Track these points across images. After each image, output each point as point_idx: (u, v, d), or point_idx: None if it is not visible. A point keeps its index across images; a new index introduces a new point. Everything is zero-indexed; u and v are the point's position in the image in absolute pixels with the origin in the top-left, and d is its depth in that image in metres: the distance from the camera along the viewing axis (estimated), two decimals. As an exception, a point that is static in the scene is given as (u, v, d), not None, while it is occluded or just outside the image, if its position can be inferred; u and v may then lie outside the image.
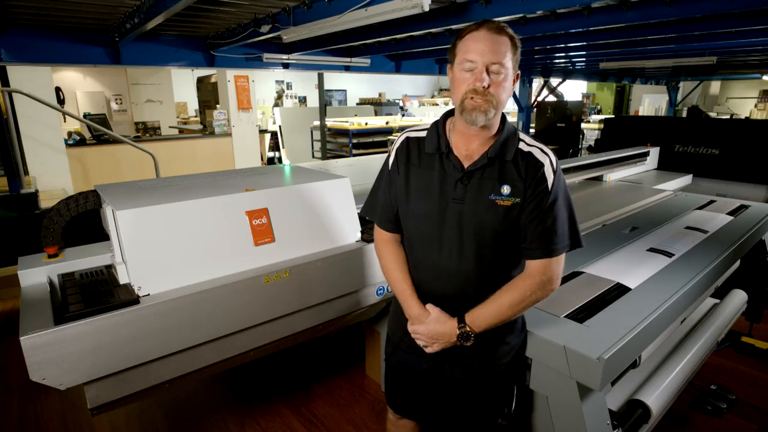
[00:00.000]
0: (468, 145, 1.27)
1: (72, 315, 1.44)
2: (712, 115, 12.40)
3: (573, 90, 14.57)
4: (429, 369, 1.44)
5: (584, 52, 6.15)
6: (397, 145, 1.39)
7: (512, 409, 1.50)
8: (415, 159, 1.33)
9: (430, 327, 1.33)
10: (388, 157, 1.41)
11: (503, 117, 1.31)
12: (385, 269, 1.44)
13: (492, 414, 1.45)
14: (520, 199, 1.23)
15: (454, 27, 3.59)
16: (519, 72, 1.26)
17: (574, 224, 1.30)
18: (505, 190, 1.23)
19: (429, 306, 1.35)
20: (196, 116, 11.45)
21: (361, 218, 2.21)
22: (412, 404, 1.56)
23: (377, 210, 1.44)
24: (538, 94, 9.49)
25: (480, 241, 1.26)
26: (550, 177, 1.23)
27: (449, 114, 1.34)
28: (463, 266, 1.29)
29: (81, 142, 6.13)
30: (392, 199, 1.39)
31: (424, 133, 1.35)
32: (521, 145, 1.27)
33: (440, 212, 1.28)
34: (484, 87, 1.16)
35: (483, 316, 1.28)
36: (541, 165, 1.24)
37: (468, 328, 1.29)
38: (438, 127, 1.33)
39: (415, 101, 15.40)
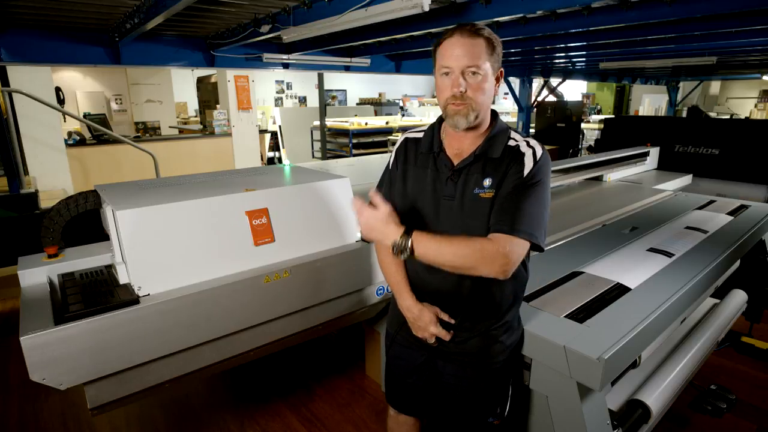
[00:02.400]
0: (459, 145, 1.31)
1: (72, 315, 1.44)
2: (712, 115, 12.41)
3: (573, 90, 14.57)
4: (423, 363, 1.47)
5: (584, 52, 6.16)
6: (397, 145, 1.45)
7: (506, 409, 1.50)
8: (412, 158, 1.39)
9: (371, 213, 1.24)
10: (390, 157, 1.47)
11: (495, 115, 1.33)
12: (382, 263, 1.48)
13: (483, 412, 1.46)
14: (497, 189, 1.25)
15: (454, 27, 3.59)
16: (502, 69, 1.27)
17: (541, 221, 1.23)
18: (487, 182, 1.26)
19: (385, 204, 1.26)
20: (196, 116, 11.45)
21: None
22: (407, 398, 1.58)
23: None
24: (538, 94, 9.49)
25: (469, 235, 1.27)
26: (528, 164, 1.23)
27: None
28: None
29: (81, 142, 6.13)
30: (392, 198, 1.42)
31: (422, 134, 1.40)
32: (510, 142, 1.28)
33: (434, 209, 1.32)
34: (461, 92, 1.19)
35: (426, 240, 1.21)
36: (522, 154, 1.25)
37: (408, 241, 1.20)
38: (434, 129, 1.37)
39: (415, 101, 15.40)
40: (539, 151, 1.26)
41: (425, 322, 1.37)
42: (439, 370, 1.45)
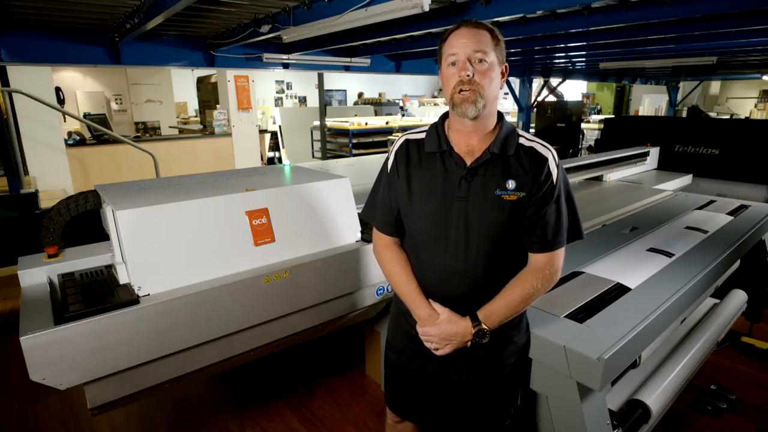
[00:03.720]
0: (468, 143, 1.28)
1: (72, 315, 1.44)
2: (712, 115, 12.41)
3: (573, 90, 14.57)
4: (435, 373, 1.42)
5: (584, 52, 6.15)
6: (396, 147, 1.38)
7: (517, 409, 1.50)
8: (416, 160, 1.33)
9: (442, 328, 1.29)
10: (387, 159, 1.40)
11: (500, 114, 1.31)
12: (389, 273, 1.40)
13: (500, 416, 1.45)
14: (526, 194, 1.24)
15: (454, 27, 3.60)
16: (507, 65, 1.27)
17: (576, 216, 1.33)
18: (511, 184, 1.24)
19: (437, 306, 1.32)
20: (196, 116, 11.45)
21: (361, 218, 2.22)
22: (418, 409, 1.54)
23: (376, 214, 1.42)
24: (538, 94, 9.49)
25: (489, 238, 1.25)
26: (554, 171, 1.25)
27: (446, 115, 1.34)
28: (470, 265, 1.28)
29: (81, 142, 6.13)
30: (392, 202, 1.37)
31: (422, 135, 1.35)
32: (521, 140, 1.28)
33: (445, 212, 1.27)
34: (468, 76, 1.19)
35: (496, 311, 1.28)
36: (545, 159, 1.25)
37: (483, 326, 1.28)
38: (437, 128, 1.33)
39: (415, 101, 15.42)
40: (554, 152, 1.28)
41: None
42: (453, 377, 1.41)
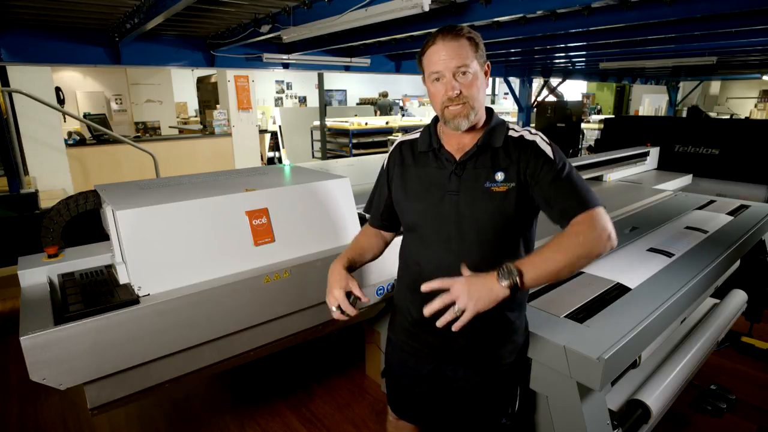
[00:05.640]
0: (459, 141, 1.31)
1: (72, 315, 1.43)
2: (712, 115, 12.41)
3: (573, 90, 14.57)
4: (432, 371, 1.43)
5: (584, 52, 6.15)
6: (391, 150, 1.47)
7: (515, 409, 1.50)
8: (410, 159, 1.39)
9: (468, 279, 1.13)
10: (384, 163, 1.48)
11: (491, 111, 1.34)
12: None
13: (496, 414, 1.45)
14: (515, 183, 1.24)
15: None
16: (489, 63, 1.28)
17: (587, 188, 1.23)
18: (499, 176, 1.25)
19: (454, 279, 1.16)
20: (196, 116, 11.45)
21: (361, 218, 2.21)
22: (416, 408, 1.55)
23: (372, 209, 1.54)
24: (538, 94, 9.49)
25: (480, 231, 1.27)
26: (546, 148, 1.24)
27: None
28: (465, 258, 1.27)
29: (81, 142, 6.13)
30: (382, 201, 1.47)
31: (416, 135, 1.41)
32: (511, 132, 1.29)
33: (437, 206, 1.30)
34: (457, 93, 1.20)
35: (531, 260, 1.14)
36: (532, 142, 1.25)
37: (510, 266, 1.11)
38: (430, 128, 1.37)
39: (415, 101, 15.42)
40: (544, 136, 1.28)
41: (332, 282, 1.36)
42: (449, 375, 1.42)
